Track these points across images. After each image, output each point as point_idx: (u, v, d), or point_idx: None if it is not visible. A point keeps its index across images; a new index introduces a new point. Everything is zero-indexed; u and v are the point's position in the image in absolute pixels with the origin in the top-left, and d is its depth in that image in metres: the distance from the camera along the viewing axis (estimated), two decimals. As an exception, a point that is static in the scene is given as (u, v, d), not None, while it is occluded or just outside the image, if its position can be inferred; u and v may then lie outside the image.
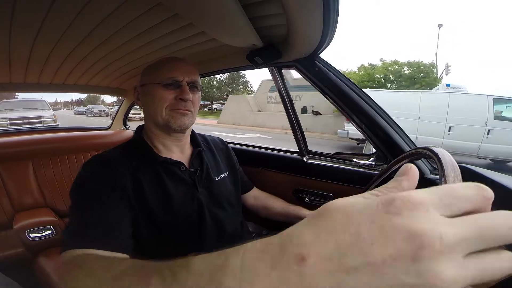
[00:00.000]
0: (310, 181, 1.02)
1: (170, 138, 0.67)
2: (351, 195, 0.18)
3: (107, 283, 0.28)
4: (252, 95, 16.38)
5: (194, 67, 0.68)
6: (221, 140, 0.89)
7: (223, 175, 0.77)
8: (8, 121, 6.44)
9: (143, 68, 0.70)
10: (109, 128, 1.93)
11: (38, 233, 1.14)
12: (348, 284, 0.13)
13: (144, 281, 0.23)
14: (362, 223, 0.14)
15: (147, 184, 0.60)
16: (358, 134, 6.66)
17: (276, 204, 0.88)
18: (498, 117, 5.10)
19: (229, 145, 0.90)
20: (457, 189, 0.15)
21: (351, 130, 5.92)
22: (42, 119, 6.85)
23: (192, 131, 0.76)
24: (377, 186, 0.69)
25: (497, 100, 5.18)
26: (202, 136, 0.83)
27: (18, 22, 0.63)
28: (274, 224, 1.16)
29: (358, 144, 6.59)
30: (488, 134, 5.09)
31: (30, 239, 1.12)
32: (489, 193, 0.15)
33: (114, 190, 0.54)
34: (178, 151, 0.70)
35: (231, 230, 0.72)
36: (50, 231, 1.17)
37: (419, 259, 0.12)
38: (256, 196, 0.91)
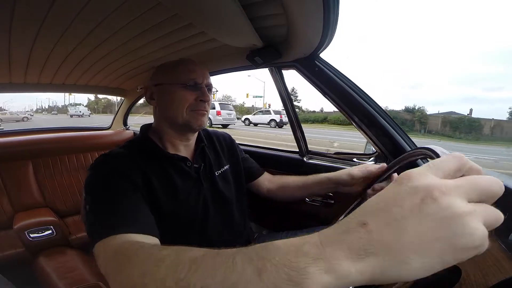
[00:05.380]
0: None
1: (181, 138, 0.68)
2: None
3: (187, 266, 0.26)
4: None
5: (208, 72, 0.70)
6: (227, 135, 0.88)
7: (224, 168, 0.77)
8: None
9: (156, 67, 0.69)
10: (109, 128, 1.94)
11: (38, 233, 1.14)
12: (400, 226, 0.19)
13: (229, 260, 0.23)
14: (390, 196, 0.21)
15: (156, 179, 0.60)
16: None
17: (292, 179, 0.83)
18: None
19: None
20: (444, 161, 0.22)
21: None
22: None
23: None
24: (376, 180, 0.69)
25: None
26: (206, 131, 0.82)
27: (18, 22, 0.63)
28: (274, 224, 1.16)
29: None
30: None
31: (30, 239, 1.12)
32: (464, 159, 0.22)
33: (130, 184, 0.54)
34: (184, 150, 0.70)
35: (234, 225, 0.72)
36: (50, 231, 1.17)
37: (435, 198, 0.19)
38: (269, 179, 0.89)
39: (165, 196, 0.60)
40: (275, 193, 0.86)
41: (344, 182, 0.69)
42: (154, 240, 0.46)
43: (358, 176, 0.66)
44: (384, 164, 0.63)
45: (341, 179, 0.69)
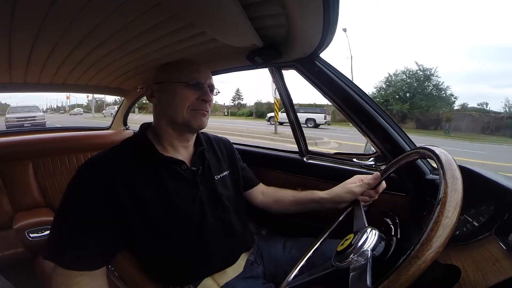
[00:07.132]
0: (310, 181, 1.02)
1: (180, 138, 0.67)
2: None
3: None
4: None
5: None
6: (227, 140, 0.88)
7: (224, 173, 0.76)
8: (16, 119, 10.45)
9: (160, 66, 0.69)
10: (109, 128, 1.94)
11: (38, 233, 1.14)
12: None
13: None
14: None
15: (143, 184, 0.59)
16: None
17: (287, 194, 0.84)
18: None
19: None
20: None
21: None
22: (36, 118, 11.03)
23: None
24: (378, 185, 0.72)
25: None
26: (206, 135, 0.82)
27: (18, 22, 0.63)
28: (274, 225, 1.16)
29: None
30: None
31: (30, 239, 1.13)
32: None
33: (103, 202, 0.54)
34: (183, 151, 0.69)
35: (233, 229, 0.71)
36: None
37: None
38: (264, 191, 0.88)
39: (154, 200, 0.59)
40: (269, 205, 0.86)
41: (347, 200, 0.70)
42: (95, 275, 0.52)
43: (360, 191, 0.68)
44: (378, 173, 0.67)
45: (343, 198, 0.70)
